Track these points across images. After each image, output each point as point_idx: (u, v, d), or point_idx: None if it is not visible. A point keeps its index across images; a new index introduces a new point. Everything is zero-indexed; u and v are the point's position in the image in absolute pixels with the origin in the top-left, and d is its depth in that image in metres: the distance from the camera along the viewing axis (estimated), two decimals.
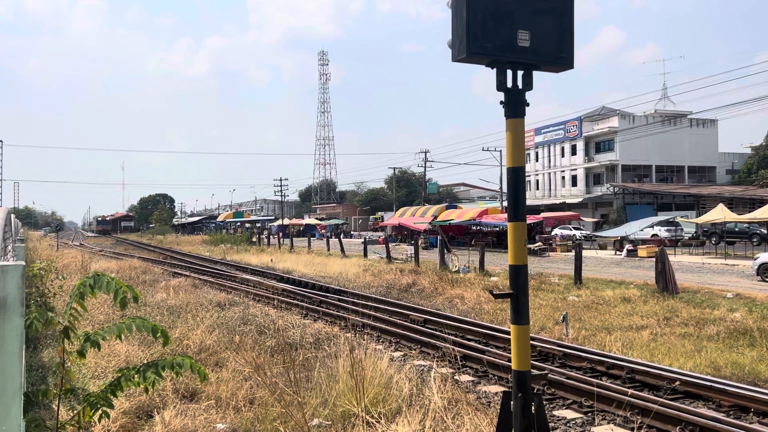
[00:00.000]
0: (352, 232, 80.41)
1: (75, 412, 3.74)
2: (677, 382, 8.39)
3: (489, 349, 10.81)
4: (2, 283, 2.85)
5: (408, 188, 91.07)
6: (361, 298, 17.40)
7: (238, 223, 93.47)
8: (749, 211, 40.47)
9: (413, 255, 29.08)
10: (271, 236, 63.02)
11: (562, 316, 12.45)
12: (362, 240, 45.95)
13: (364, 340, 10.18)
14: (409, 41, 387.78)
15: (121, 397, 6.06)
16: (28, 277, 11.13)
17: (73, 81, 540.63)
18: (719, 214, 34.94)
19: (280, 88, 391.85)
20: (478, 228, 48.76)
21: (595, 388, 7.85)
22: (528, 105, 3.11)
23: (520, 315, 3.08)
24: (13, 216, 16.06)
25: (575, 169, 70.77)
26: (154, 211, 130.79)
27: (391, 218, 63.56)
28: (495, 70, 3.05)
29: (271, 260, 33.43)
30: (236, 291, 19.73)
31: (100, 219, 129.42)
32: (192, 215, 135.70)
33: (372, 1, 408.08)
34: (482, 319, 14.18)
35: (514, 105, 3.08)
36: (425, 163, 71.92)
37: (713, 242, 41.48)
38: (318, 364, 8.24)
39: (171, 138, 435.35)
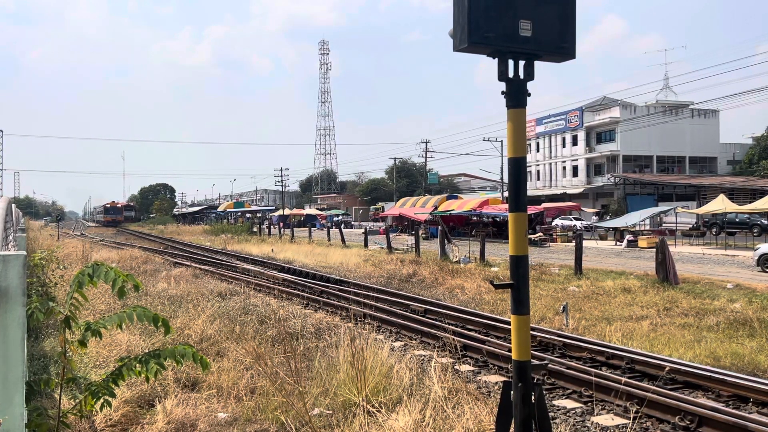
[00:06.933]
0: (352, 223, 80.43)
1: (77, 401, 3.76)
2: (676, 372, 8.42)
3: (489, 339, 10.84)
4: (4, 272, 2.85)
5: (409, 178, 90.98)
6: (361, 288, 17.41)
7: (239, 213, 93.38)
8: (750, 202, 40.46)
9: (414, 245, 29.09)
10: (271, 226, 63.06)
11: (562, 307, 12.48)
12: (363, 230, 45.96)
13: (364, 330, 10.20)
14: (411, 31, 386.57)
15: (123, 386, 6.08)
16: (29, 267, 11.15)
17: (75, 71, 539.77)
18: (720, 204, 34.93)
19: (282, 77, 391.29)
20: (479, 218, 48.76)
21: (594, 378, 7.87)
22: (529, 95, 3.10)
23: (521, 305, 3.09)
24: (14, 206, 16.07)
25: (576, 160, 70.65)
26: (155, 200, 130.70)
27: (392, 208, 63.56)
28: (496, 60, 3.04)
29: (272, 250, 33.45)
30: (237, 281, 19.76)
31: (108, 206, 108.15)
32: (192, 205, 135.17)
33: None
34: (483, 310, 14.20)
35: (516, 95, 3.07)
36: (426, 154, 71.84)
37: (714, 233, 41.47)
38: (319, 353, 8.27)
39: (172, 127, 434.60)
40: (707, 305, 13.88)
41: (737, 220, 42.50)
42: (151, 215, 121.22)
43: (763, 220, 41.42)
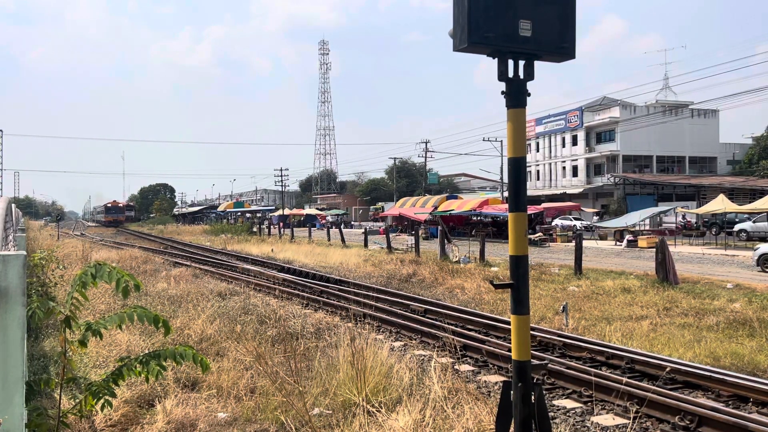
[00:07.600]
0: (352, 222, 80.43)
1: (77, 401, 3.76)
2: (676, 372, 8.42)
3: (489, 339, 10.84)
4: (4, 272, 2.85)
5: (408, 178, 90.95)
6: (361, 288, 17.41)
7: (239, 213, 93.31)
8: (750, 202, 40.45)
9: (414, 245, 29.08)
10: (271, 226, 63.05)
11: (562, 307, 12.47)
12: (363, 230, 45.97)
13: (364, 330, 10.21)
14: (411, 31, 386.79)
15: (123, 386, 6.09)
16: (29, 267, 11.14)
17: (75, 71, 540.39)
18: (720, 204, 34.94)
19: (282, 77, 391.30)
20: (479, 218, 48.76)
21: (594, 378, 7.88)
22: (529, 95, 3.10)
23: (521, 305, 3.09)
24: (14, 206, 16.07)
25: (576, 160, 70.63)
26: (155, 200, 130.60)
27: (392, 208, 63.53)
28: (496, 60, 3.04)
29: (272, 250, 33.45)
30: (237, 281, 19.76)
31: (109, 205, 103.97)
32: (192, 205, 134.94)
33: None
34: (482, 309, 14.20)
35: (516, 95, 3.07)
36: (426, 154, 71.84)
37: (714, 233, 41.47)
38: (319, 353, 8.27)
39: (172, 127, 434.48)
40: (707, 305, 13.88)
41: (737, 220, 42.51)
42: (151, 215, 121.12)
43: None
